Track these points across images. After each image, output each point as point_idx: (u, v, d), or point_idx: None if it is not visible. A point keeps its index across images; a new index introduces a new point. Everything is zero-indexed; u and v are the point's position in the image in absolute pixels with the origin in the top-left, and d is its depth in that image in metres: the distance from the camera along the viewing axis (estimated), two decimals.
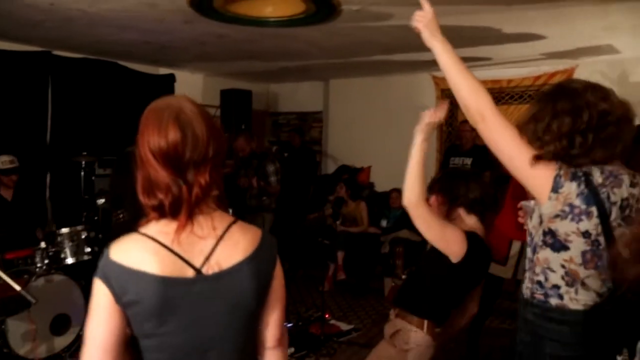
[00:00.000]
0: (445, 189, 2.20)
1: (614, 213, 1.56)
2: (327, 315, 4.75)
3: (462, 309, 2.31)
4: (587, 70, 5.74)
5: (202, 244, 1.20)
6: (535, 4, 3.45)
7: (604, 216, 1.55)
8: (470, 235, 2.05)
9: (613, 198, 1.56)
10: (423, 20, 1.66)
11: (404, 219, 5.46)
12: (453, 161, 5.68)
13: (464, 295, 2.24)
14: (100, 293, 1.16)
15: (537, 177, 1.55)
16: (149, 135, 1.18)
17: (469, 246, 2.02)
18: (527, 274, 1.71)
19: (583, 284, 1.56)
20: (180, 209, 1.17)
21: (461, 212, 2.18)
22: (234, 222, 1.26)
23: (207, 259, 1.20)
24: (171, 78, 6.51)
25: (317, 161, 7.51)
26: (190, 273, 1.18)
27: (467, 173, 2.34)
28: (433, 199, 2.21)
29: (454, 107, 7.16)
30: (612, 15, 3.75)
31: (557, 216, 1.56)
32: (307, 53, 5.40)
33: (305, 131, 7.53)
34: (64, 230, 4.01)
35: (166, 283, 1.15)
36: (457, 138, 6.04)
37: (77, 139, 5.42)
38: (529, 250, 1.72)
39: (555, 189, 1.53)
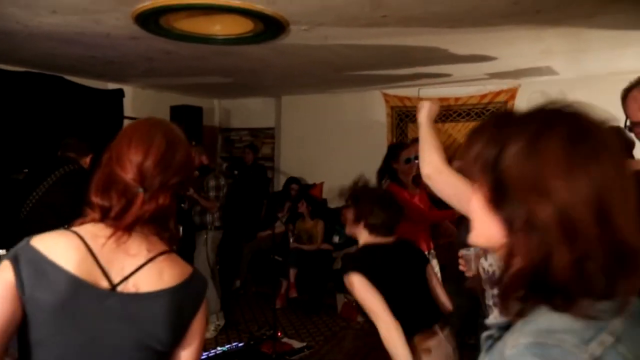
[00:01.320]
0: (356, 204, 2.37)
1: None
2: (279, 334, 4.71)
3: None
4: (529, 90, 5.98)
5: (127, 262, 1.16)
6: (475, 27, 3.58)
7: None
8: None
9: None
10: (434, 106, 1.89)
11: None
12: None
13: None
14: (3, 275, 1.06)
15: None
16: (132, 143, 1.19)
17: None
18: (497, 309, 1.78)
19: None
20: (124, 217, 1.15)
21: (363, 230, 2.36)
22: (166, 252, 1.22)
23: (127, 277, 1.16)
24: (120, 93, 6.36)
25: (270, 178, 7.49)
26: (104, 285, 1.13)
27: (378, 196, 2.44)
28: (346, 210, 2.44)
29: (404, 131, 7.10)
30: (547, 40, 3.93)
31: None
32: (258, 70, 5.41)
33: (257, 147, 7.51)
34: (1, 252, 3.83)
35: (77, 284, 1.09)
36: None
37: (18, 156, 5.20)
38: (488, 287, 1.83)
39: None
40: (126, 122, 6.40)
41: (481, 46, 4.24)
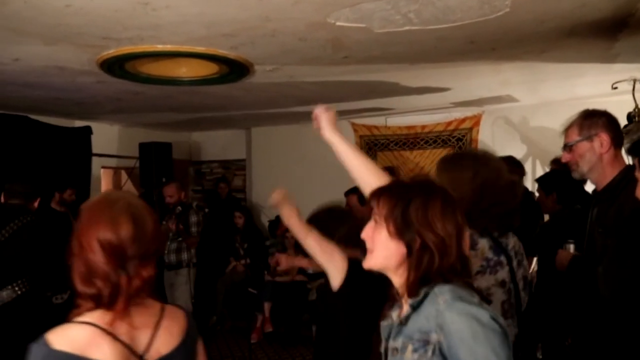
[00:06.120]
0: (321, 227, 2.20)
1: (513, 259, 1.74)
2: None
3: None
4: (492, 116, 6.16)
5: (141, 334, 1.25)
6: (434, 63, 3.70)
7: (510, 262, 1.72)
8: (352, 262, 2.00)
9: (509, 246, 1.74)
10: (327, 115, 1.82)
11: None
12: None
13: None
14: None
15: None
16: (98, 226, 1.20)
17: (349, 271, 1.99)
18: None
19: None
20: (117, 299, 1.19)
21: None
22: (163, 309, 1.32)
23: (148, 347, 1.24)
24: (87, 130, 6.30)
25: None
26: None
27: (334, 212, 2.39)
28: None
29: (374, 160, 7.17)
30: (505, 72, 4.08)
31: (477, 273, 1.62)
32: (226, 106, 5.44)
33: (229, 180, 7.49)
34: None
35: None
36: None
37: None
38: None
39: (473, 246, 1.61)
40: (94, 159, 6.34)
41: (442, 79, 4.37)
